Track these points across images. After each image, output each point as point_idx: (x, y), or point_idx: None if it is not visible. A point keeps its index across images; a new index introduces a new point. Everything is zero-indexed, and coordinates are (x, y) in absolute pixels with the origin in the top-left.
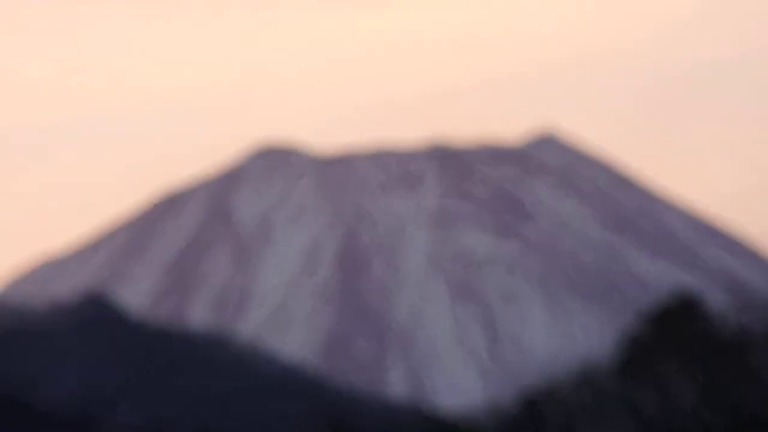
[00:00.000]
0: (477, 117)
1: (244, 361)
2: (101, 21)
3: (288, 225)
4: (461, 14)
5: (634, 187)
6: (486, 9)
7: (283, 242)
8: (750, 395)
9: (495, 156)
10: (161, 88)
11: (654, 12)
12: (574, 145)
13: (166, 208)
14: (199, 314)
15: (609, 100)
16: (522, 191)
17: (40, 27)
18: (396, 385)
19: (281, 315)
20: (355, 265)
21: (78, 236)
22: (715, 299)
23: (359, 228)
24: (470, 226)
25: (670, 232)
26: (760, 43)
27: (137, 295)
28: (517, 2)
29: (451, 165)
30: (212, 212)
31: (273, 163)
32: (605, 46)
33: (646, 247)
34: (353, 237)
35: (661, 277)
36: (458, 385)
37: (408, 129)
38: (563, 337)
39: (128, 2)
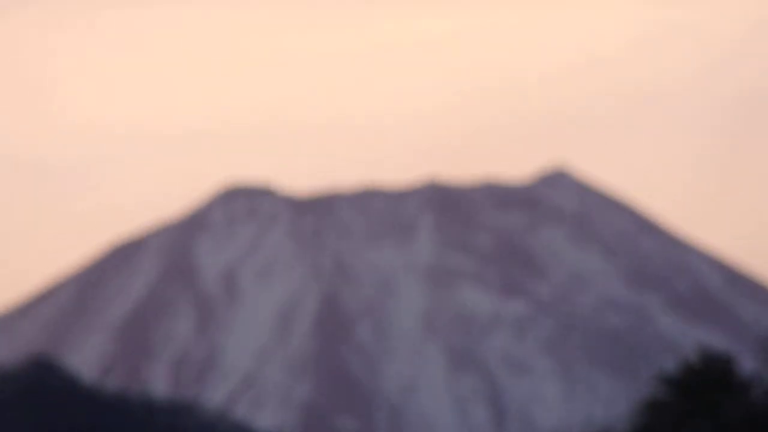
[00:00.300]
0: (478, 157)
1: None
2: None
3: (258, 281)
4: (469, 47)
5: (660, 234)
6: (489, 46)
7: (253, 301)
8: None
9: (500, 199)
10: (120, 125)
11: (686, 48)
12: (590, 184)
13: (120, 260)
14: (157, 382)
15: (626, 140)
16: (532, 241)
17: None
18: None
19: (251, 386)
20: (336, 328)
21: (21, 290)
22: (749, 360)
23: (341, 285)
24: (471, 283)
25: (701, 287)
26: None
27: (88, 358)
28: (521, 42)
29: (450, 210)
30: (171, 265)
31: (241, 206)
32: (624, 84)
33: (676, 305)
34: (334, 295)
35: (691, 338)
36: None
37: (401, 169)
38: (580, 413)
39: (92, 39)
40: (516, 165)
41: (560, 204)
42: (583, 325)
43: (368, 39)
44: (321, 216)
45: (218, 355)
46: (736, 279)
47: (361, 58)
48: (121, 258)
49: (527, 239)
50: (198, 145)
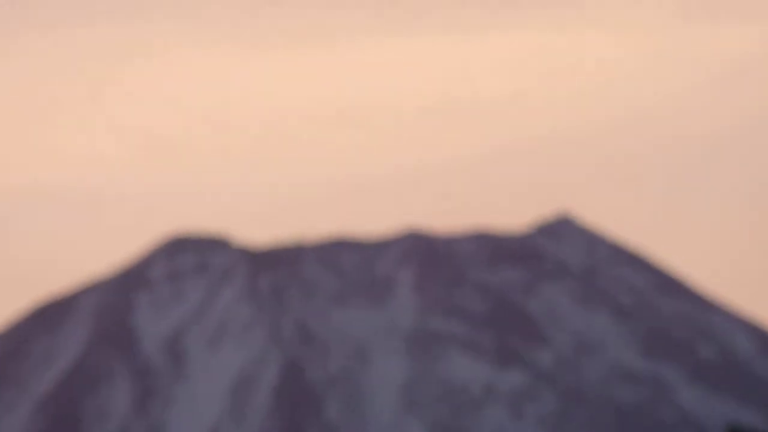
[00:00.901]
0: (467, 208)
1: None
2: None
3: (208, 348)
4: (444, 76)
5: (681, 293)
6: (461, 73)
7: (202, 372)
8: None
9: (493, 252)
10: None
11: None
12: (598, 235)
13: (44, 323)
14: None
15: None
16: (531, 301)
17: None
18: None
19: None
20: (301, 404)
21: None
22: None
23: (306, 353)
24: (460, 351)
25: (729, 354)
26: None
27: None
28: (486, 70)
29: (434, 264)
30: (106, 329)
31: (188, 260)
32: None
33: (700, 376)
34: (298, 365)
35: (718, 415)
36: None
37: (373, 214)
38: None
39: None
40: (510, 215)
41: (564, 257)
42: (591, 400)
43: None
44: (283, 272)
45: None
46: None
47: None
48: (45, 321)
49: (525, 299)
50: (138, 194)
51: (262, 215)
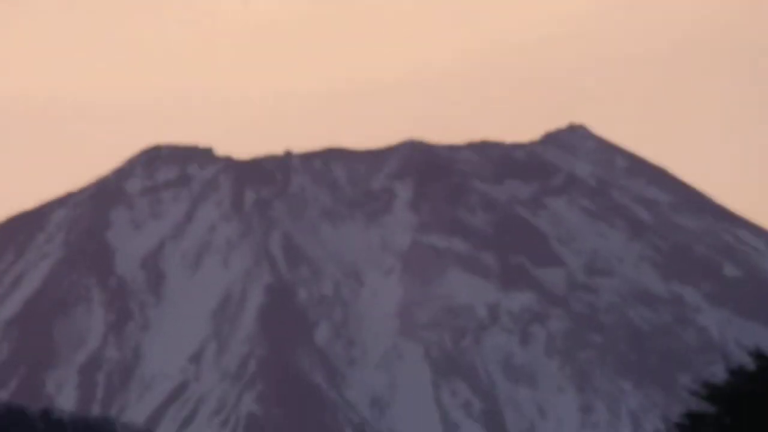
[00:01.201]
0: (470, 121)
1: None
2: None
3: (188, 270)
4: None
5: (703, 207)
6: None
7: (182, 296)
8: None
9: (499, 164)
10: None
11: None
12: (613, 144)
13: (15, 240)
14: (63, 394)
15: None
16: (540, 218)
17: None
18: None
19: (180, 399)
20: (289, 328)
21: None
22: None
23: (295, 273)
24: (462, 270)
25: (756, 274)
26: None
27: None
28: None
29: (435, 177)
30: (79, 247)
31: (168, 172)
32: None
33: (723, 297)
34: (286, 287)
35: (743, 338)
36: None
37: (369, 124)
38: None
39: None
40: (518, 126)
41: (576, 169)
42: (606, 324)
43: None
44: (270, 185)
45: (140, 361)
46: None
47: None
48: (16, 238)
49: (534, 214)
50: (120, 111)
51: (248, 125)
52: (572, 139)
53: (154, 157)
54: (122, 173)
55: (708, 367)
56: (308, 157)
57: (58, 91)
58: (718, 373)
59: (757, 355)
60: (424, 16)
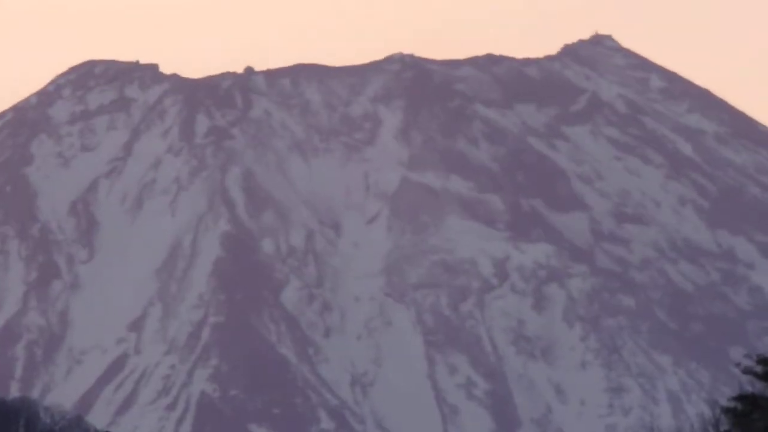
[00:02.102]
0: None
1: None
2: None
3: (127, 215)
4: None
5: (756, 139)
6: None
7: (119, 247)
8: None
9: (510, 84)
10: None
11: None
12: (646, 60)
13: None
14: None
15: None
16: (558, 152)
17: None
18: None
19: (119, 382)
20: (250, 294)
21: None
22: None
23: (258, 221)
24: (464, 220)
25: None
26: None
27: None
28: None
29: (429, 103)
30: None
31: (102, 93)
32: None
33: None
34: (247, 238)
35: None
36: None
37: (349, 33)
38: (633, 415)
39: None
40: (530, 41)
41: (600, 90)
42: (638, 283)
43: None
44: (228, 110)
45: (68, 329)
46: None
47: None
48: None
49: (550, 146)
50: (42, 16)
51: (200, 36)
52: (597, 53)
53: (85, 76)
54: (45, 95)
55: (764, 336)
56: (274, 75)
57: None
58: None
59: None
60: None
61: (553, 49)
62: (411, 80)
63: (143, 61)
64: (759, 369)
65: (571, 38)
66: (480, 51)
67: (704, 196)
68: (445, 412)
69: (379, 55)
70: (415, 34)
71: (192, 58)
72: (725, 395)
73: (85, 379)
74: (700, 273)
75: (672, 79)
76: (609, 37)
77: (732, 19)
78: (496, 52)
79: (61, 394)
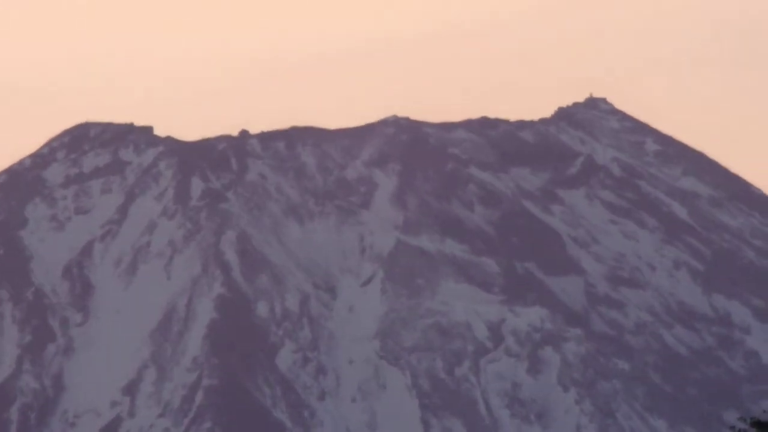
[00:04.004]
0: (463, 96)
1: None
2: None
3: (122, 279)
4: None
5: (753, 204)
6: None
7: (113, 311)
8: None
9: (505, 148)
10: None
11: None
12: (640, 123)
13: None
14: None
15: None
16: (554, 216)
17: None
18: None
19: None
20: (245, 357)
21: None
22: None
23: (253, 285)
24: (459, 283)
25: None
26: None
27: None
28: None
29: (425, 166)
30: None
31: (97, 156)
32: None
33: None
34: (242, 302)
35: None
36: None
37: (344, 95)
38: None
39: None
40: (525, 105)
41: (596, 153)
42: (633, 347)
43: None
44: (223, 173)
45: (62, 392)
46: None
47: None
48: None
49: (545, 210)
50: (39, 81)
51: (196, 99)
52: (592, 115)
53: (79, 138)
54: (40, 158)
55: (759, 400)
56: (269, 138)
57: None
58: None
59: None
60: None
61: (547, 111)
62: (406, 143)
63: (138, 123)
64: None
65: (566, 101)
66: (475, 114)
67: (699, 260)
68: None
69: (374, 118)
70: (410, 96)
71: (187, 120)
72: None
73: None
74: (695, 337)
75: (667, 142)
76: (604, 100)
77: (726, 83)
78: (491, 115)
79: None
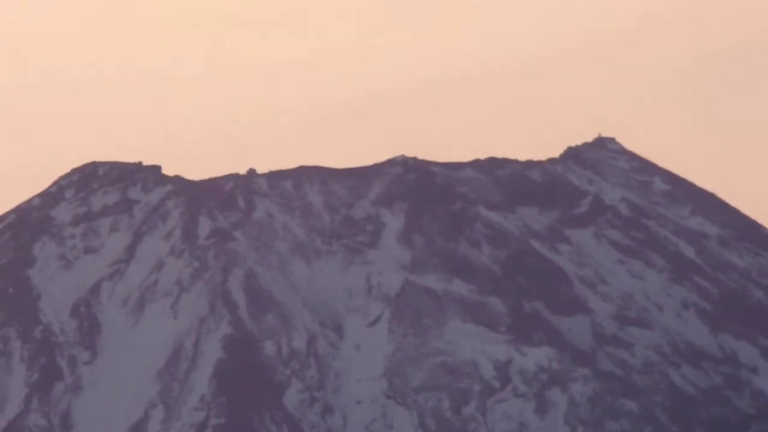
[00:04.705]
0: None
1: None
2: None
3: (128, 320)
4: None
5: (760, 243)
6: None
7: (121, 350)
8: None
9: (512, 187)
10: None
11: None
12: (649, 162)
13: None
14: None
15: None
16: (562, 255)
17: None
18: None
19: None
20: (252, 396)
21: None
22: None
23: (260, 324)
24: (467, 323)
25: None
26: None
27: None
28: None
29: (432, 206)
30: None
31: (105, 195)
32: None
33: None
34: (249, 340)
35: None
36: None
37: (351, 137)
38: None
39: None
40: (533, 144)
41: (604, 193)
42: (640, 387)
43: None
44: (230, 212)
45: (71, 431)
46: None
47: None
48: None
49: (552, 249)
50: (45, 120)
51: (203, 139)
52: (600, 155)
53: (88, 177)
54: (48, 197)
55: None
56: (276, 177)
57: None
58: None
59: None
60: (418, 15)
61: (556, 151)
62: (413, 182)
63: (146, 162)
64: None
65: (575, 140)
66: (482, 153)
67: (707, 299)
68: None
69: (381, 157)
70: (417, 136)
71: (195, 159)
72: None
73: None
74: (703, 377)
75: (675, 182)
76: (612, 140)
77: (736, 123)
78: (499, 154)
79: None
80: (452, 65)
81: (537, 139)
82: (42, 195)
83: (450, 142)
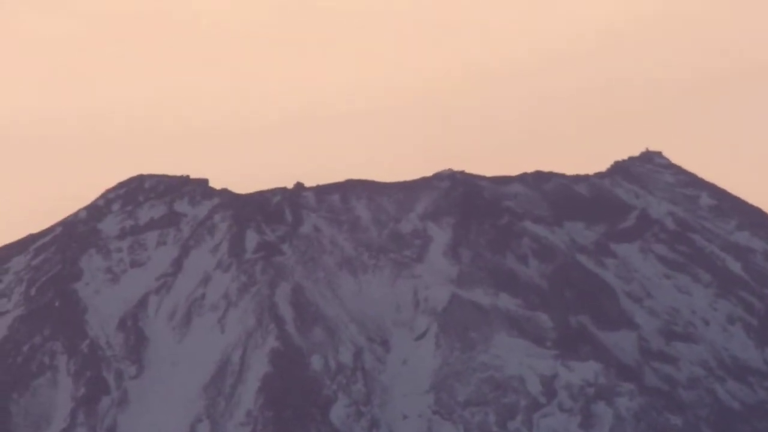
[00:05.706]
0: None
1: None
2: None
3: (175, 334)
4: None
5: None
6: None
7: (167, 363)
8: None
9: (559, 201)
10: None
11: None
12: (696, 178)
13: None
14: None
15: None
16: (609, 270)
17: None
18: None
19: None
20: (299, 410)
21: None
22: None
23: (307, 338)
24: (513, 337)
25: None
26: None
27: None
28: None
29: (479, 220)
30: (41, 305)
31: (152, 209)
32: None
33: None
34: (296, 354)
35: None
36: None
37: (394, 149)
38: None
39: None
40: (580, 159)
41: (650, 207)
42: (686, 401)
43: None
44: (278, 226)
45: None
46: None
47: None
48: None
49: (599, 264)
50: (93, 133)
51: (251, 152)
52: (647, 169)
53: (134, 190)
54: (95, 210)
55: None
56: (323, 191)
57: (14, 113)
58: None
59: None
60: (465, 15)
61: (602, 165)
62: (460, 197)
63: (193, 175)
64: None
65: (622, 155)
66: (529, 168)
67: (753, 314)
68: None
69: (428, 172)
70: (464, 150)
71: (242, 173)
72: None
73: None
74: (748, 391)
75: (722, 196)
76: (659, 154)
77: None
78: (546, 168)
79: None
80: (497, 74)
81: (584, 152)
82: (89, 208)
83: (496, 154)
